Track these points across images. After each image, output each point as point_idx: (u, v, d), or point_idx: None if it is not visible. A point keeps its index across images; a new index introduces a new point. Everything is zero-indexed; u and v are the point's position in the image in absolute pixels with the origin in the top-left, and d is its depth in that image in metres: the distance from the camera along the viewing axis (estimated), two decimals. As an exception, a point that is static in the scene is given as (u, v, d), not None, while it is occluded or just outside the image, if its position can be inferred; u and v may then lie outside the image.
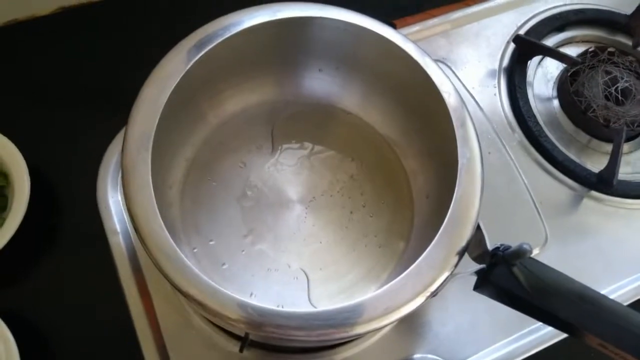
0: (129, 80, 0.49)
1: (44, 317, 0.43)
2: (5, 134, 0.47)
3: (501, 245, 0.32)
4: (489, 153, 0.50)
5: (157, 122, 0.33)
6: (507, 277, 0.31)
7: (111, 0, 0.59)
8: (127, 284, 0.42)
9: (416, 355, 0.42)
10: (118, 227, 0.44)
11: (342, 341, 0.40)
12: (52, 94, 0.53)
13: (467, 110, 0.38)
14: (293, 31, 0.40)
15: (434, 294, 0.31)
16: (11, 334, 0.40)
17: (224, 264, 0.39)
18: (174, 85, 0.34)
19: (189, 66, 0.35)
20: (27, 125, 0.50)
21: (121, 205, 0.45)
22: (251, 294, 0.38)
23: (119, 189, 0.46)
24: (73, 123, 0.51)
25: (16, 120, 0.50)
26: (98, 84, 0.53)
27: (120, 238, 0.44)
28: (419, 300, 0.30)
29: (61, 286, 0.44)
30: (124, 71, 0.54)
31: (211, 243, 0.40)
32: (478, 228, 0.34)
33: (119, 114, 0.46)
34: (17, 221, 0.44)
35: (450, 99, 0.37)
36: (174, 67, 0.35)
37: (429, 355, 0.42)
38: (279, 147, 0.45)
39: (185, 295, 0.30)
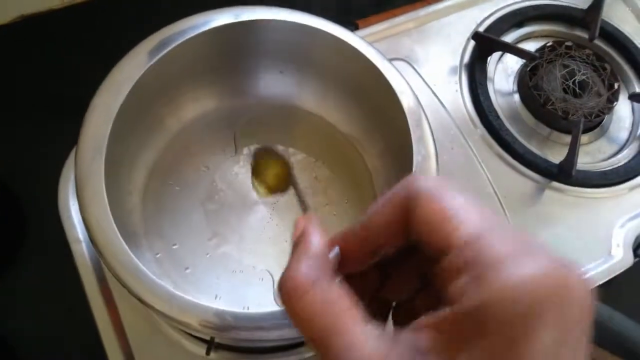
0: (91, 89, 0.48)
1: (9, 328, 0.43)
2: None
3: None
4: (452, 148, 0.51)
5: (109, 129, 0.32)
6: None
7: (71, 8, 0.58)
8: (91, 293, 0.42)
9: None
10: (81, 236, 0.44)
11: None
12: (13, 103, 0.52)
13: (423, 111, 0.38)
14: (250, 34, 0.40)
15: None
16: None
17: (187, 268, 0.39)
18: (128, 90, 0.34)
19: (144, 71, 0.35)
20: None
21: (83, 213, 0.45)
22: (216, 297, 0.38)
23: (80, 197, 0.45)
24: (35, 132, 0.50)
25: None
26: (60, 93, 0.53)
27: (84, 246, 0.43)
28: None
29: (26, 296, 0.44)
30: (86, 79, 0.53)
31: (174, 247, 0.40)
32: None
33: (79, 120, 0.46)
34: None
35: (407, 100, 0.38)
36: (128, 72, 0.35)
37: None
38: (243, 150, 0.45)
39: (145, 303, 0.30)
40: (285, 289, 0.19)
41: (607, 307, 0.35)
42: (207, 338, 0.34)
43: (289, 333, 0.30)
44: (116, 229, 0.30)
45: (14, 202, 0.47)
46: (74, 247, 0.43)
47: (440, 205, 0.18)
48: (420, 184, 0.19)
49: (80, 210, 0.30)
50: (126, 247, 0.29)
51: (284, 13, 0.39)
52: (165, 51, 0.36)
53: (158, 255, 0.39)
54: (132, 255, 0.29)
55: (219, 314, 0.29)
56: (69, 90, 0.52)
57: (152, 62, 0.35)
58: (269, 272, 0.41)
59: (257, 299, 0.39)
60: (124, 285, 0.29)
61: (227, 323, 0.29)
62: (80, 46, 0.55)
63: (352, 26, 0.57)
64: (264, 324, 0.30)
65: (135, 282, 0.29)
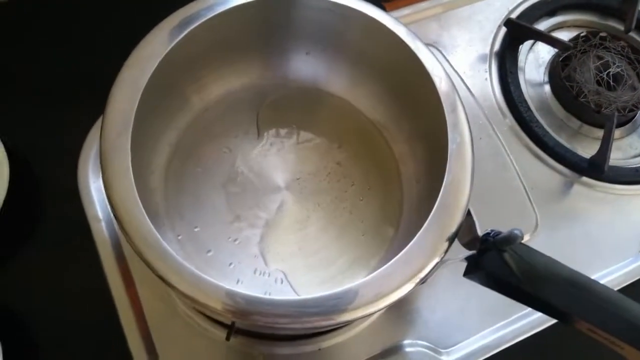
0: (108, 66, 0.47)
1: (26, 306, 0.42)
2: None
3: (492, 231, 0.32)
4: (480, 138, 0.50)
5: (137, 105, 0.31)
6: (498, 263, 0.31)
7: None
8: (110, 272, 0.41)
9: (406, 341, 0.41)
10: (100, 214, 0.43)
11: (331, 328, 0.39)
12: (29, 83, 0.51)
13: (459, 96, 0.37)
14: (279, 12, 0.39)
15: (423, 281, 0.30)
16: None
17: (209, 251, 0.38)
18: (155, 67, 0.33)
19: (170, 47, 0.33)
20: (5, 114, 0.49)
21: (103, 192, 0.44)
22: (238, 281, 0.37)
23: (100, 175, 0.44)
24: (52, 111, 0.50)
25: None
26: (76, 71, 0.52)
27: (103, 225, 0.43)
28: (409, 287, 0.30)
29: (43, 275, 0.43)
30: (102, 57, 0.52)
31: (196, 230, 0.39)
32: (468, 214, 0.33)
33: (98, 101, 0.45)
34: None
35: (441, 84, 0.36)
36: (154, 48, 0.34)
37: (419, 341, 0.41)
38: (265, 133, 0.44)
39: (169, 284, 0.29)
40: None
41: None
42: (228, 322, 0.34)
43: (310, 321, 0.29)
44: (142, 208, 0.29)
45: (30, 180, 0.47)
46: (93, 225, 0.43)
47: None
48: None
49: (105, 187, 0.30)
50: (152, 226, 0.29)
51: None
52: (191, 27, 0.35)
53: (180, 237, 0.38)
54: (158, 235, 0.29)
55: (243, 298, 0.29)
56: (82, 69, 0.52)
57: (178, 39, 0.34)
58: (291, 258, 0.40)
59: (279, 285, 0.38)
60: (148, 265, 0.29)
61: (251, 308, 0.29)
62: (95, 24, 0.54)
63: (379, 7, 0.55)
64: (287, 311, 0.29)
65: (160, 263, 0.28)
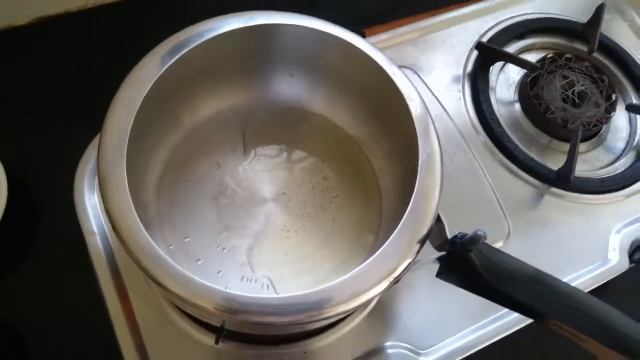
0: (104, 89, 0.50)
1: (22, 318, 0.44)
2: (-20, 140, 0.48)
3: (459, 233, 0.35)
4: (455, 153, 0.53)
5: (132, 124, 0.34)
6: (465, 262, 0.33)
7: (87, 12, 0.60)
8: (105, 284, 0.43)
9: (387, 343, 0.43)
10: (95, 229, 0.45)
11: (314, 328, 0.41)
12: (29, 101, 0.54)
13: (430, 115, 0.40)
14: (264, 38, 0.42)
15: (397, 280, 0.33)
16: None
17: (199, 260, 0.41)
18: (149, 88, 0.35)
19: (163, 70, 0.36)
20: (3, 130, 0.51)
21: (98, 207, 0.46)
22: (226, 288, 0.39)
23: (96, 191, 0.47)
24: (49, 129, 0.52)
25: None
26: (74, 92, 0.55)
27: (98, 239, 0.45)
28: (384, 285, 0.32)
29: (40, 287, 0.45)
30: (99, 79, 0.55)
31: (187, 240, 0.42)
32: (439, 219, 0.36)
33: (94, 120, 0.47)
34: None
35: (414, 106, 0.39)
36: (148, 71, 0.37)
37: (400, 343, 0.44)
38: (252, 150, 0.47)
39: (163, 287, 0.31)
40: None
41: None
42: (219, 325, 0.36)
43: (300, 318, 0.31)
44: (138, 218, 0.31)
45: (27, 197, 0.49)
46: (88, 239, 0.45)
47: None
48: None
49: (103, 200, 0.32)
50: (147, 235, 0.31)
51: (296, 19, 0.41)
52: (183, 52, 0.38)
53: (171, 247, 0.41)
54: (153, 243, 0.31)
55: (233, 297, 0.31)
56: (79, 90, 0.55)
57: (171, 62, 0.37)
58: (277, 266, 0.42)
59: (265, 291, 0.41)
60: (145, 271, 0.31)
61: (240, 307, 0.31)
62: (94, 48, 0.57)
63: (359, 34, 0.59)
64: (276, 308, 0.31)
65: (155, 268, 0.31)
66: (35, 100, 0.54)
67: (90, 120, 0.47)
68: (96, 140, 0.48)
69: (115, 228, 0.32)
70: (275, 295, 0.32)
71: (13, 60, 0.56)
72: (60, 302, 0.45)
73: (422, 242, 0.34)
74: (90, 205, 0.46)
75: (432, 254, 0.36)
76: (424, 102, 0.40)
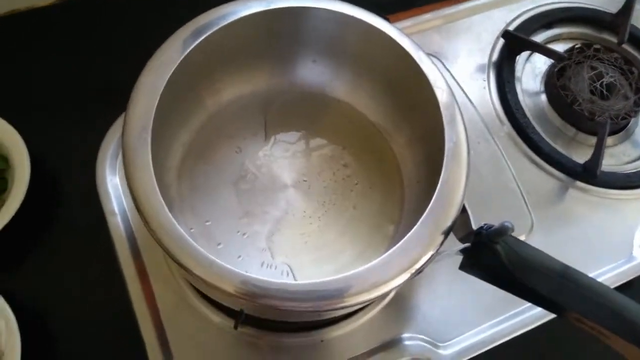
0: (125, 72, 0.49)
1: (44, 297, 0.45)
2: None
3: (485, 224, 0.34)
4: (478, 143, 0.52)
5: (155, 105, 0.34)
6: (490, 254, 0.33)
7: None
8: (125, 265, 0.44)
9: (405, 335, 0.43)
10: (116, 209, 0.45)
11: (332, 317, 0.41)
12: (51, 85, 0.54)
13: (457, 102, 0.39)
14: (287, 22, 0.42)
15: (419, 271, 0.32)
16: (12, 313, 0.41)
17: (219, 244, 0.41)
18: (172, 71, 0.35)
19: (186, 53, 0.36)
20: (27, 113, 0.52)
21: (119, 188, 0.46)
22: (246, 272, 0.39)
23: (117, 172, 0.47)
24: (71, 110, 0.52)
25: (16, 108, 0.51)
26: (95, 75, 0.55)
27: (119, 219, 0.45)
28: (405, 276, 0.32)
29: (61, 268, 0.46)
30: (120, 63, 0.55)
31: (207, 224, 0.41)
32: (464, 210, 0.36)
33: (116, 103, 0.47)
34: (17, 202, 0.45)
35: (441, 93, 0.39)
36: (171, 54, 0.36)
37: (418, 335, 0.43)
38: (273, 135, 0.46)
39: (185, 268, 0.31)
40: None
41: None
42: (237, 309, 0.36)
43: (319, 305, 0.31)
44: (162, 199, 0.31)
45: (49, 179, 0.49)
46: (110, 219, 0.45)
47: None
48: None
49: (128, 181, 0.32)
50: (170, 216, 0.31)
51: (320, 1, 0.41)
52: (205, 35, 0.38)
53: (192, 230, 0.41)
54: (176, 224, 0.31)
55: (253, 281, 0.31)
56: (101, 74, 0.55)
57: (193, 45, 0.37)
58: (296, 253, 0.42)
59: (284, 276, 0.41)
60: (167, 251, 0.31)
61: (260, 291, 0.31)
62: (116, 32, 0.57)
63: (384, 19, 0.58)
64: (297, 294, 0.31)
65: (178, 249, 0.31)
66: (57, 84, 0.54)
67: (111, 104, 0.47)
68: (116, 124, 0.49)
69: (139, 209, 0.32)
70: (295, 282, 0.31)
71: (36, 42, 0.56)
72: (81, 282, 0.45)
73: (447, 233, 0.33)
74: (111, 186, 0.46)
75: (455, 245, 0.36)
76: (450, 89, 0.39)
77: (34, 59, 0.55)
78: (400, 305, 0.45)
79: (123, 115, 0.47)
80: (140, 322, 0.42)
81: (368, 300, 0.32)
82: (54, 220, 0.48)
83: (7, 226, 0.44)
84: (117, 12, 0.59)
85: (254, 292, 0.31)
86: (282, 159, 0.45)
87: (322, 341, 0.43)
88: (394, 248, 0.32)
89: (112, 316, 0.44)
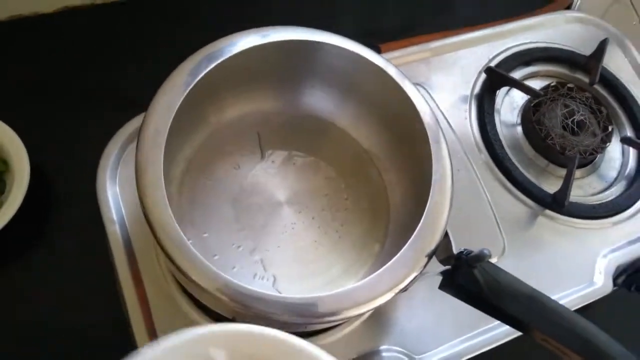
0: (128, 81, 0.51)
1: (39, 300, 0.46)
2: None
3: (465, 250, 0.37)
4: (458, 170, 0.55)
5: (170, 123, 0.36)
6: (468, 277, 0.36)
7: (112, 5, 0.62)
8: (122, 272, 0.45)
9: (383, 347, 0.46)
10: (115, 217, 0.47)
11: (321, 328, 0.44)
12: (54, 89, 0.56)
13: (442, 131, 0.43)
14: (293, 52, 0.44)
15: (404, 290, 0.36)
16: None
17: (215, 255, 0.43)
18: (186, 92, 0.38)
19: (200, 76, 0.39)
20: (28, 117, 0.53)
21: (119, 196, 0.48)
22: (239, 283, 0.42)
23: (117, 181, 0.49)
24: (73, 117, 0.54)
25: (17, 113, 0.53)
26: (98, 83, 0.57)
27: (117, 227, 0.47)
28: (392, 294, 0.35)
29: (56, 271, 0.47)
30: (123, 72, 0.57)
31: (205, 235, 0.44)
32: (446, 235, 0.39)
33: (117, 111, 0.50)
34: (16, 206, 0.47)
35: (427, 119, 0.42)
36: (186, 76, 0.39)
37: (395, 347, 0.46)
38: (269, 154, 0.49)
39: (190, 279, 0.33)
40: None
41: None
42: (230, 317, 0.38)
43: (309, 319, 0.34)
44: (170, 212, 0.34)
45: (49, 182, 0.50)
46: (108, 227, 0.47)
47: None
48: None
49: (140, 196, 0.34)
50: (179, 228, 0.33)
51: (331, 37, 0.44)
52: (218, 61, 0.40)
53: (190, 242, 0.43)
54: (183, 236, 0.33)
55: (248, 293, 0.33)
56: (103, 82, 0.56)
57: (207, 70, 0.39)
58: (286, 266, 0.44)
59: (275, 289, 0.43)
60: (172, 261, 0.33)
61: (253, 302, 0.33)
62: (119, 42, 0.59)
63: (375, 49, 0.61)
64: (289, 307, 0.34)
65: (184, 260, 0.33)
66: (60, 89, 0.55)
67: (113, 112, 0.49)
68: (119, 133, 0.51)
69: (150, 223, 0.34)
70: (290, 295, 0.34)
71: (39, 48, 0.57)
72: (77, 287, 0.47)
73: (430, 256, 0.36)
74: (111, 194, 0.48)
75: (436, 267, 0.39)
76: (435, 116, 0.43)
77: (36, 64, 0.57)
78: (379, 318, 0.48)
79: (125, 125, 0.50)
80: (134, 329, 0.44)
81: (357, 316, 0.35)
82: (51, 225, 0.49)
83: (4, 229, 0.46)
84: (120, 24, 0.61)
85: (247, 303, 0.33)
86: (277, 177, 0.48)
87: (306, 351, 0.45)
88: (382, 269, 0.35)
89: (106, 321, 0.45)
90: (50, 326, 0.45)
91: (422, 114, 0.42)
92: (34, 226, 0.49)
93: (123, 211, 0.48)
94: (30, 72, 0.56)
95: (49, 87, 0.55)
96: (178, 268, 0.33)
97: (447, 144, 0.42)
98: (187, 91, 0.38)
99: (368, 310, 0.35)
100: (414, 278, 0.36)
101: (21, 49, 0.57)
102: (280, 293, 0.43)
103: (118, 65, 0.57)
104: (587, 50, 0.66)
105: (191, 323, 0.44)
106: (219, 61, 0.40)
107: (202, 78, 0.39)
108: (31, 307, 0.45)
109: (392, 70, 0.45)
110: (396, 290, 0.35)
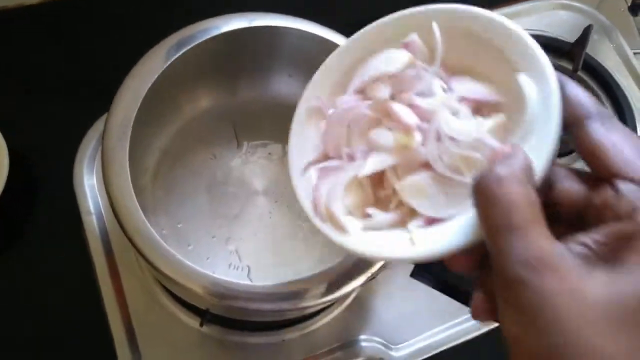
0: (105, 72, 0.51)
1: (17, 293, 0.46)
2: (-17, 117, 0.49)
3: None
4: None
5: (135, 112, 0.36)
6: (437, 264, 0.36)
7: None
8: (98, 262, 0.45)
9: (362, 336, 0.46)
10: (92, 209, 0.47)
11: (293, 317, 0.44)
12: (32, 81, 0.55)
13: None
14: (265, 38, 0.44)
15: (373, 277, 0.35)
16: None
17: (189, 245, 0.43)
18: (153, 79, 0.37)
19: (168, 63, 0.38)
20: (7, 110, 0.53)
21: (96, 188, 0.48)
22: (213, 273, 0.42)
23: (94, 173, 0.49)
24: (51, 109, 0.54)
25: (-4, 105, 0.53)
26: (76, 74, 0.56)
27: (94, 218, 0.47)
28: (361, 280, 0.35)
29: (35, 263, 0.47)
30: (101, 63, 0.57)
31: (179, 226, 0.44)
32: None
33: (95, 103, 0.49)
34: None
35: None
36: (154, 63, 0.38)
37: (374, 337, 0.46)
38: (245, 143, 0.49)
39: (158, 270, 0.33)
40: (501, 173, 0.19)
41: None
42: (204, 308, 0.38)
43: (282, 306, 0.34)
44: (136, 202, 0.33)
45: (27, 175, 0.50)
46: (85, 218, 0.47)
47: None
48: None
49: (105, 184, 0.34)
50: (144, 218, 0.33)
51: (297, 22, 0.44)
52: (188, 47, 0.40)
53: (164, 232, 0.43)
54: (150, 227, 0.33)
55: (220, 282, 0.33)
56: (81, 73, 0.56)
57: (176, 56, 0.39)
58: (261, 255, 0.44)
59: (248, 279, 0.43)
60: (139, 252, 0.33)
61: (226, 291, 0.33)
62: (97, 33, 0.59)
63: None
64: (260, 296, 0.34)
65: (150, 250, 0.33)
66: (38, 81, 0.55)
67: (91, 104, 0.49)
68: (97, 124, 0.51)
69: (115, 211, 0.34)
70: (260, 284, 0.34)
71: (18, 40, 0.57)
72: (54, 279, 0.46)
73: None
74: (88, 186, 0.48)
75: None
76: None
77: (15, 56, 0.56)
78: (358, 308, 0.47)
79: (102, 117, 0.49)
80: (110, 319, 0.44)
81: (328, 301, 0.35)
82: (30, 217, 0.49)
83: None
84: (103, 16, 0.60)
85: (220, 292, 0.33)
86: (253, 167, 0.48)
87: (283, 340, 0.45)
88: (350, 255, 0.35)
89: (83, 312, 0.45)
90: (26, 318, 0.45)
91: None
92: (13, 218, 0.49)
93: (100, 203, 0.48)
94: (9, 65, 0.56)
95: (26, 80, 0.55)
96: (144, 257, 0.33)
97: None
98: (155, 78, 0.37)
99: (337, 297, 0.34)
100: (383, 265, 0.36)
101: (0, 41, 0.57)
102: (252, 282, 0.43)
103: (99, 58, 0.57)
104: (572, 37, 0.65)
105: (168, 315, 0.44)
106: (189, 47, 0.39)
107: (171, 65, 0.38)
108: (9, 298, 0.45)
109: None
110: (365, 276, 0.35)
